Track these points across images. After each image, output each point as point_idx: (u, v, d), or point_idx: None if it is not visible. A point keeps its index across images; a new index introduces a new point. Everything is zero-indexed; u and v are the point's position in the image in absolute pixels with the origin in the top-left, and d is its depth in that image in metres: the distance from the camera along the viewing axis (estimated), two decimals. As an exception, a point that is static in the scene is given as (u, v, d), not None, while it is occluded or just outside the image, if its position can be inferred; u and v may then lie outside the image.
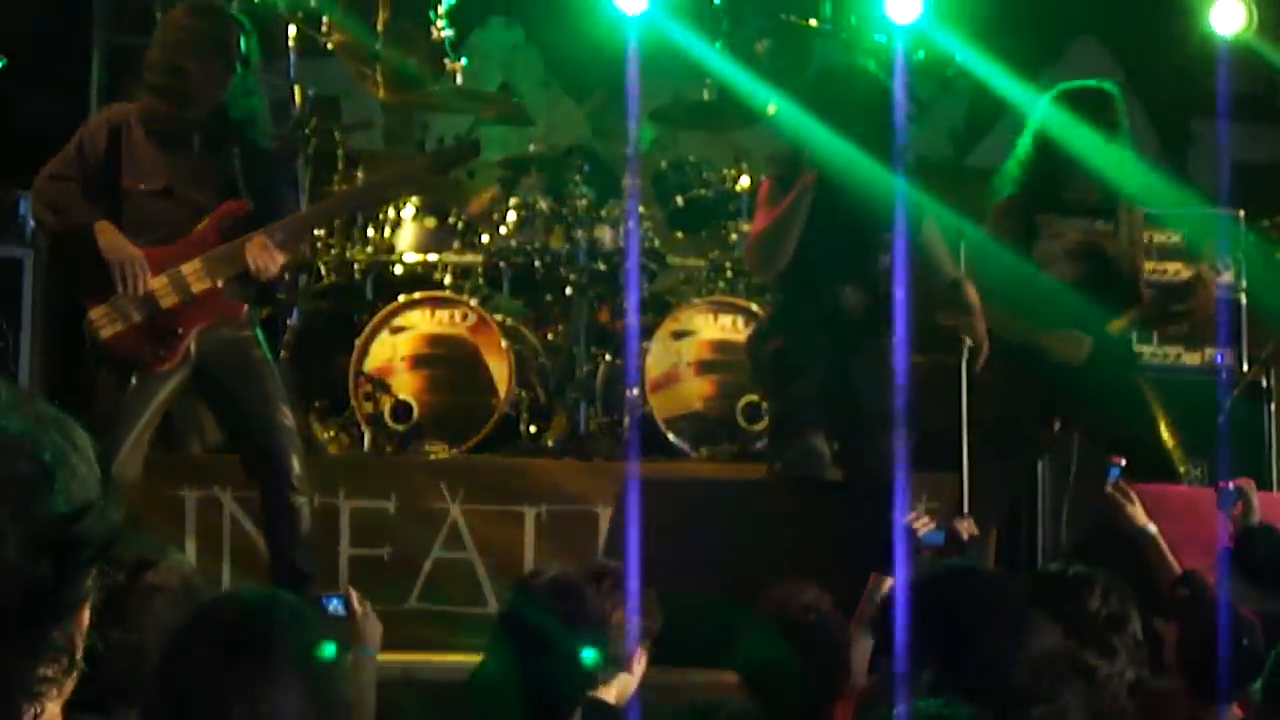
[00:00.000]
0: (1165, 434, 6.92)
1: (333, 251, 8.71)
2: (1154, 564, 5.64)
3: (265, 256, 6.33)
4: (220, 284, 6.39)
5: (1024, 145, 7.09)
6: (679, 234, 8.84)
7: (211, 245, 6.38)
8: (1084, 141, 6.94)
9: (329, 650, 2.79)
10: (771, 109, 7.98)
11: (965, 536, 5.46)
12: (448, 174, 7.49)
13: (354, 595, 4.71)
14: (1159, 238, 8.83)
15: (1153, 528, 5.72)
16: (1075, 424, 7.12)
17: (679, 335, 8.27)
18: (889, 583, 5.02)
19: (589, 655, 3.92)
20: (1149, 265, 8.51)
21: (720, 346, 8.23)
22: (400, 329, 8.17)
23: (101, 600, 2.38)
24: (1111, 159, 6.96)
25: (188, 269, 6.36)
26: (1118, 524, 5.78)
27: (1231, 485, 5.97)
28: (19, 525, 1.60)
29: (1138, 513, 5.76)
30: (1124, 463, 5.91)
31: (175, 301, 6.36)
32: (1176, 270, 8.60)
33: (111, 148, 6.40)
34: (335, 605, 4.67)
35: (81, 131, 6.53)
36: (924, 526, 5.33)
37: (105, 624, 2.93)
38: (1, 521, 1.58)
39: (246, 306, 6.48)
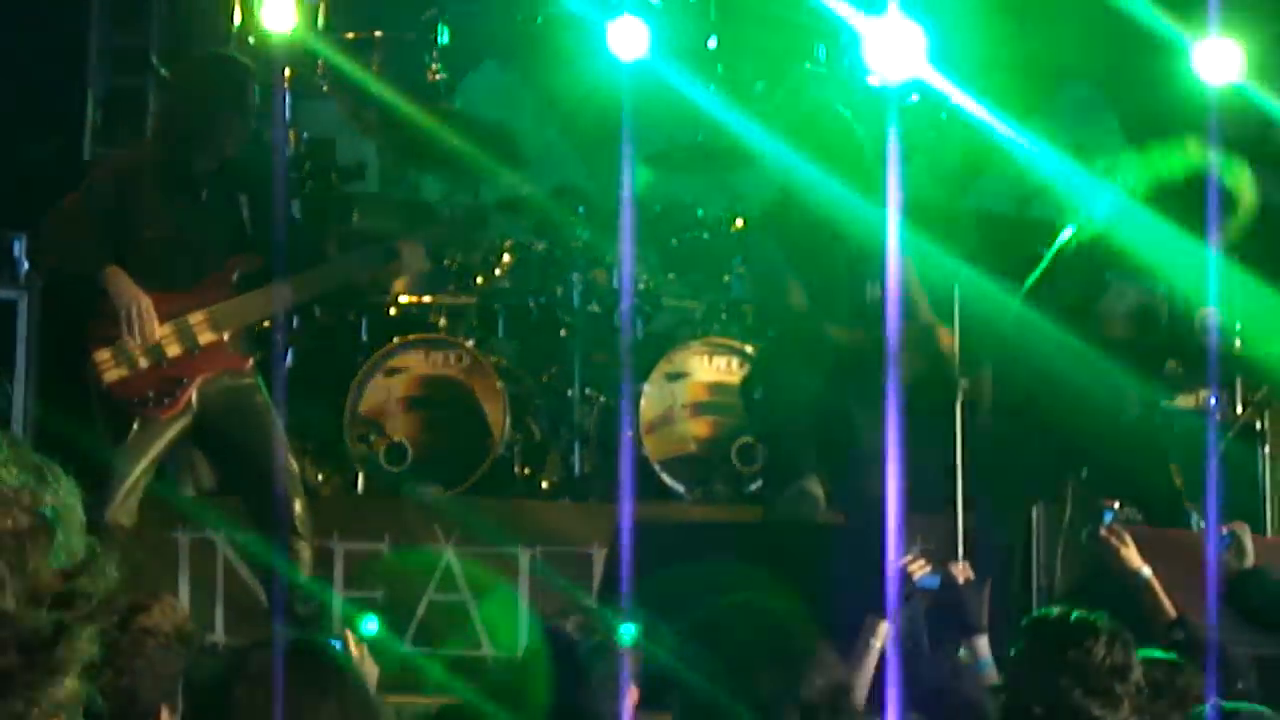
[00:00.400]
0: (1176, 479, 6.92)
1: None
2: (1149, 607, 5.63)
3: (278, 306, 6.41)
4: (227, 337, 6.40)
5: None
6: (674, 276, 8.84)
7: (221, 297, 6.39)
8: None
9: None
10: None
11: (961, 580, 5.45)
12: (467, 241, 7.51)
13: (350, 638, 4.70)
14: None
15: (1147, 571, 5.71)
16: (1090, 472, 7.12)
17: (674, 377, 8.27)
18: (883, 626, 5.01)
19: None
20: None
21: (715, 388, 8.22)
22: (395, 370, 8.17)
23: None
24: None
25: (195, 319, 6.38)
26: (1112, 567, 5.78)
27: (1225, 529, 5.97)
28: (19, 578, 1.59)
29: (1132, 555, 5.76)
30: (1117, 505, 5.91)
31: (181, 350, 6.37)
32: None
33: (121, 194, 6.43)
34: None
35: (91, 177, 6.55)
36: (919, 570, 5.33)
37: (98, 667, 2.93)
38: (1, 574, 1.58)
39: (252, 360, 6.50)
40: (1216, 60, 9.21)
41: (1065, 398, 6.93)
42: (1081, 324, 6.96)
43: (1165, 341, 7.07)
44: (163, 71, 9.28)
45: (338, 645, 4.68)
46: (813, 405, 6.53)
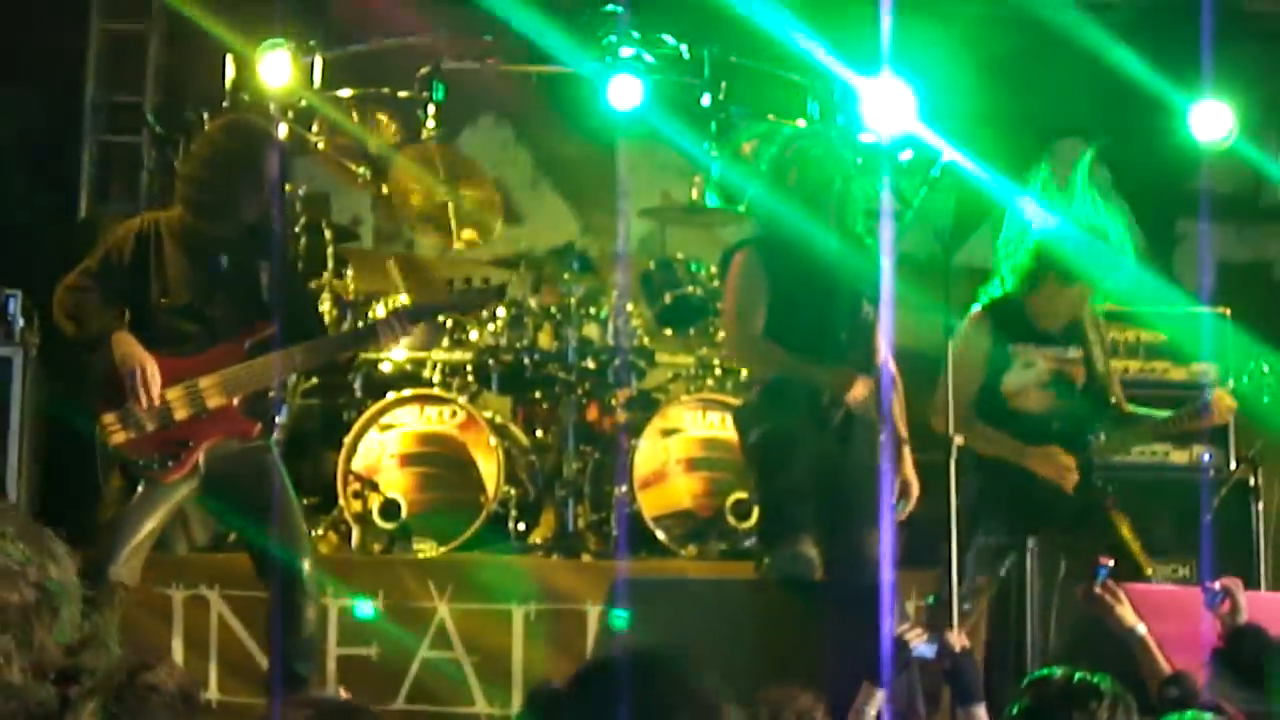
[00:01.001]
0: (1129, 536, 6.91)
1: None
2: (1144, 664, 5.63)
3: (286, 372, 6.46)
4: (236, 402, 6.43)
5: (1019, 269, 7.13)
6: (668, 331, 8.85)
7: (232, 362, 6.42)
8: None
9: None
10: None
11: (957, 649, 5.44)
12: (472, 312, 7.53)
13: (344, 695, 4.70)
14: (1145, 337, 8.87)
15: (1142, 628, 5.71)
16: (1050, 535, 7.13)
17: (668, 433, 8.28)
18: (879, 694, 5.01)
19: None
20: (1135, 365, 8.58)
21: (709, 444, 8.23)
22: (389, 427, 8.18)
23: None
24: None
25: (205, 383, 6.41)
26: (1107, 624, 5.77)
27: (1218, 585, 5.97)
28: (24, 652, 1.60)
29: (1127, 613, 5.75)
30: (1112, 563, 5.91)
31: (189, 414, 6.39)
32: (1165, 369, 8.64)
33: (138, 259, 6.47)
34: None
35: (109, 240, 6.57)
36: (916, 639, 5.32)
37: None
38: (6, 648, 1.59)
39: (260, 425, 6.52)
40: (1210, 121, 9.30)
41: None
42: (990, 402, 6.98)
43: (1080, 405, 7.07)
44: (158, 129, 9.33)
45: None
46: (807, 451, 6.50)
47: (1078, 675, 4.13)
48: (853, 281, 6.73)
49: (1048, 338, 7.07)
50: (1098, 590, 5.81)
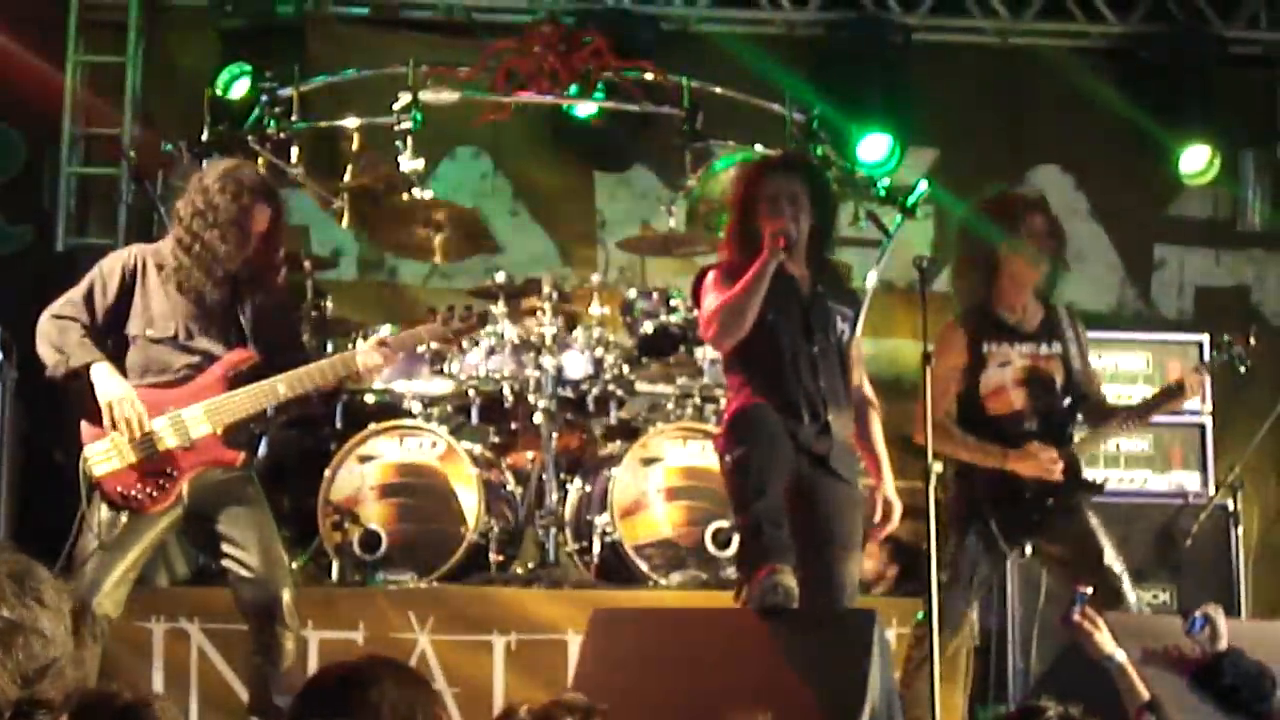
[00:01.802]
0: (1112, 560, 6.91)
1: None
2: (1123, 690, 5.63)
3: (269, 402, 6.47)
4: (220, 431, 6.44)
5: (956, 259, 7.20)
6: (647, 360, 8.85)
7: (216, 391, 6.44)
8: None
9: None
10: None
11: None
12: (456, 341, 7.54)
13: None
14: (1124, 361, 8.90)
15: (1121, 655, 5.71)
16: (1039, 546, 7.12)
17: (648, 462, 8.26)
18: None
19: None
20: (1114, 390, 8.58)
21: (689, 473, 8.21)
22: (369, 458, 8.16)
23: None
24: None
25: (189, 414, 6.43)
26: (1086, 651, 5.77)
27: (1199, 611, 5.98)
28: None
29: (1106, 640, 5.75)
30: (1090, 590, 5.91)
31: (173, 445, 6.41)
32: (1143, 397, 8.66)
33: (124, 291, 6.50)
34: None
35: (96, 271, 6.57)
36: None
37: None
38: None
39: (243, 455, 6.53)
40: (1196, 161, 9.42)
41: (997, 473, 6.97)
42: (969, 408, 6.99)
43: (1059, 401, 7.08)
44: (136, 162, 9.32)
45: None
46: (785, 471, 6.49)
47: (1052, 708, 4.11)
48: (826, 308, 6.72)
49: (1022, 335, 7.08)
50: (1076, 618, 5.82)
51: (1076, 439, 7.12)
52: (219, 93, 9.25)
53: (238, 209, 6.46)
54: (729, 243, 6.86)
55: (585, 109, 9.62)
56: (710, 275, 6.75)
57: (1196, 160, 10.16)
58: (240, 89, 9.27)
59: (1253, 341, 7.17)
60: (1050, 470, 6.89)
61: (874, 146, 9.91)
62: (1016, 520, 6.93)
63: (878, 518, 6.61)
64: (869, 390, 6.84)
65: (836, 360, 6.69)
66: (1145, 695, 5.56)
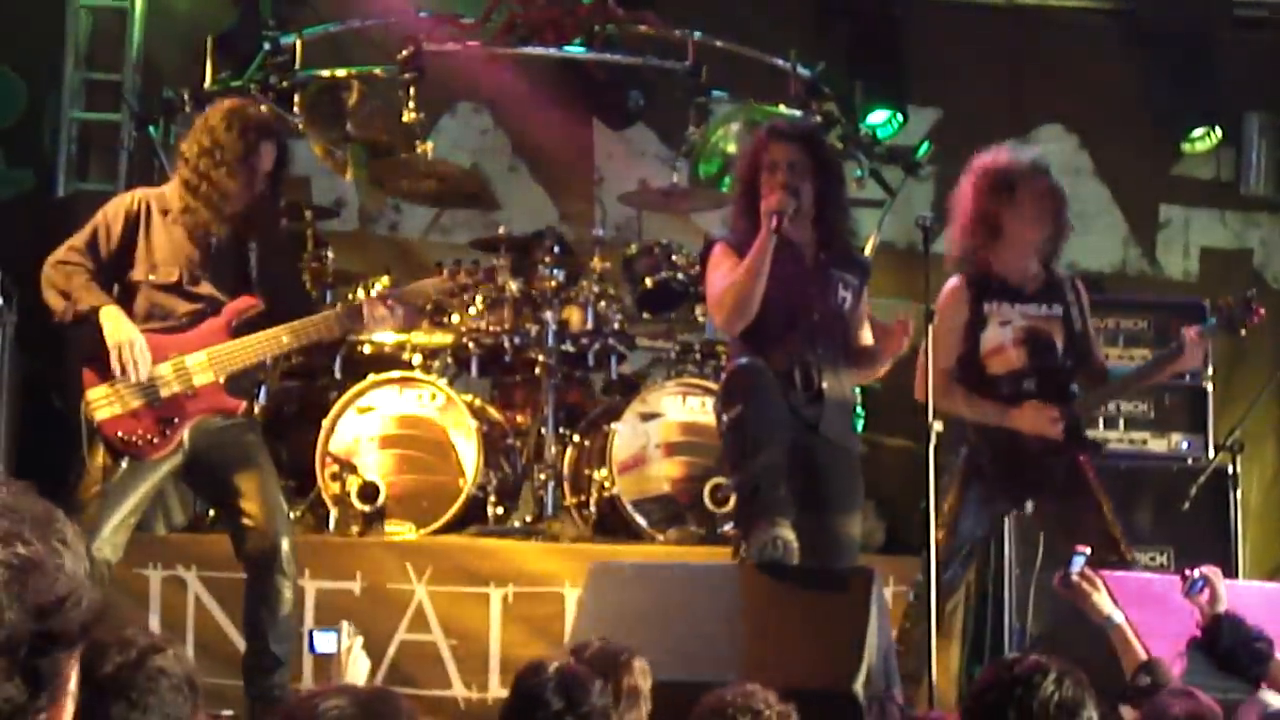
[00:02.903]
0: (1111, 520, 6.92)
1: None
2: (1121, 652, 5.63)
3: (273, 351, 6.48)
4: (223, 379, 6.43)
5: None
6: (647, 316, 8.84)
7: (220, 339, 6.43)
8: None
9: None
10: None
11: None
12: (457, 295, 7.55)
13: (344, 631, 4.65)
14: (1125, 324, 8.89)
15: (1119, 616, 5.71)
16: (1040, 505, 7.12)
17: (647, 417, 8.26)
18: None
19: None
20: (1115, 351, 8.58)
21: (689, 429, 8.21)
22: (368, 409, 8.15)
23: (110, 676, 2.42)
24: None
25: (192, 360, 6.42)
26: (1083, 612, 5.78)
27: (1198, 573, 5.98)
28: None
29: (1103, 600, 5.76)
30: (1088, 551, 5.91)
31: (176, 391, 6.40)
32: (1144, 358, 8.66)
33: (127, 235, 6.47)
34: (324, 641, 4.62)
35: (100, 216, 6.55)
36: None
37: (112, 698, 2.95)
38: None
39: (245, 403, 6.52)
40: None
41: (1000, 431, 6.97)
42: (969, 368, 6.99)
43: (1065, 355, 7.08)
44: (137, 109, 9.29)
45: (333, 636, 4.64)
46: (784, 432, 6.49)
47: (1029, 657, 4.11)
48: (829, 275, 6.71)
49: (1023, 296, 7.08)
50: (1075, 578, 5.82)
51: (1077, 400, 7.11)
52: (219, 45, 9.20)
53: (244, 146, 6.44)
54: (735, 213, 6.87)
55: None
56: (717, 248, 6.76)
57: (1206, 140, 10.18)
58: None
59: (1252, 305, 7.15)
60: (1050, 429, 6.89)
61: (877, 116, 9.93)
62: (1016, 478, 6.94)
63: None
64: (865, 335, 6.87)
65: (839, 328, 6.70)
66: (1143, 655, 5.56)
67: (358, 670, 4.66)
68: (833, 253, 6.78)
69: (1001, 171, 7.08)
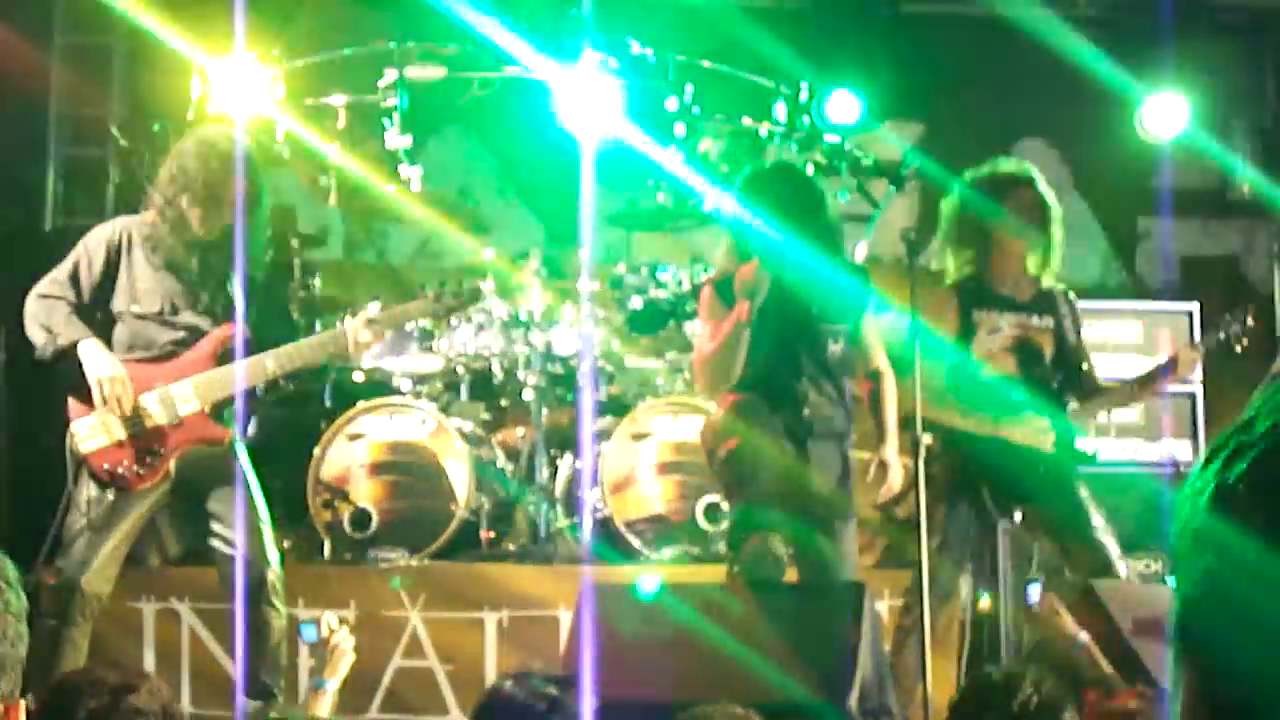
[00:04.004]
0: (1102, 531, 6.92)
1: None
2: (1091, 671, 5.64)
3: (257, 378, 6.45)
4: (208, 408, 6.43)
5: (949, 234, 7.18)
6: (636, 336, 8.85)
7: (205, 367, 6.42)
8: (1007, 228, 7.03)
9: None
10: None
11: None
12: (445, 317, 7.55)
13: (324, 621, 4.64)
14: (1113, 331, 8.90)
15: (1084, 636, 5.73)
16: (1030, 512, 7.13)
17: (638, 437, 8.27)
18: None
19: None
20: (1103, 358, 8.58)
21: (680, 448, 8.22)
22: (358, 436, 8.16)
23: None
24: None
25: (177, 390, 6.41)
26: (1048, 636, 5.81)
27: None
28: None
29: (1067, 623, 5.78)
30: (1041, 578, 5.95)
31: (160, 421, 6.39)
32: (1132, 363, 8.68)
33: (108, 267, 6.47)
34: (309, 632, 4.63)
35: (81, 247, 6.55)
36: None
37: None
38: None
39: (231, 431, 6.52)
40: (1164, 114, 9.33)
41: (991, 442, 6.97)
42: (960, 376, 6.99)
43: (1054, 365, 7.09)
44: (123, 142, 9.30)
45: (310, 631, 4.65)
46: (776, 461, 6.51)
47: (1009, 667, 4.14)
48: (825, 306, 6.70)
49: (1013, 305, 7.09)
50: (1035, 604, 5.85)
51: (1069, 411, 7.12)
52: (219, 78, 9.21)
53: (209, 174, 6.43)
54: (722, 251, 6.88)
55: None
56: (704, 292, 6.80)
57: (1170, 120, 10.11)
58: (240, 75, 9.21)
59: (1250, 321, 7.17)
60: (1041, 440, 6.90)
61: (842, 107, 9.86)
62: (1007, 488, 6.94)
63: (869, 477, 6.64)
64: (883, 362, 6.86)
65: (827, 378, 6.70)
66: (1109, 670, 5.57)
67: (341, 663, 4.65)
68: (821, 302, 6.74)
69: (988, 181, 7.10)
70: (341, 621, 4.68)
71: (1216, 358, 8.14)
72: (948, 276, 7.20)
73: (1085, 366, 7.25)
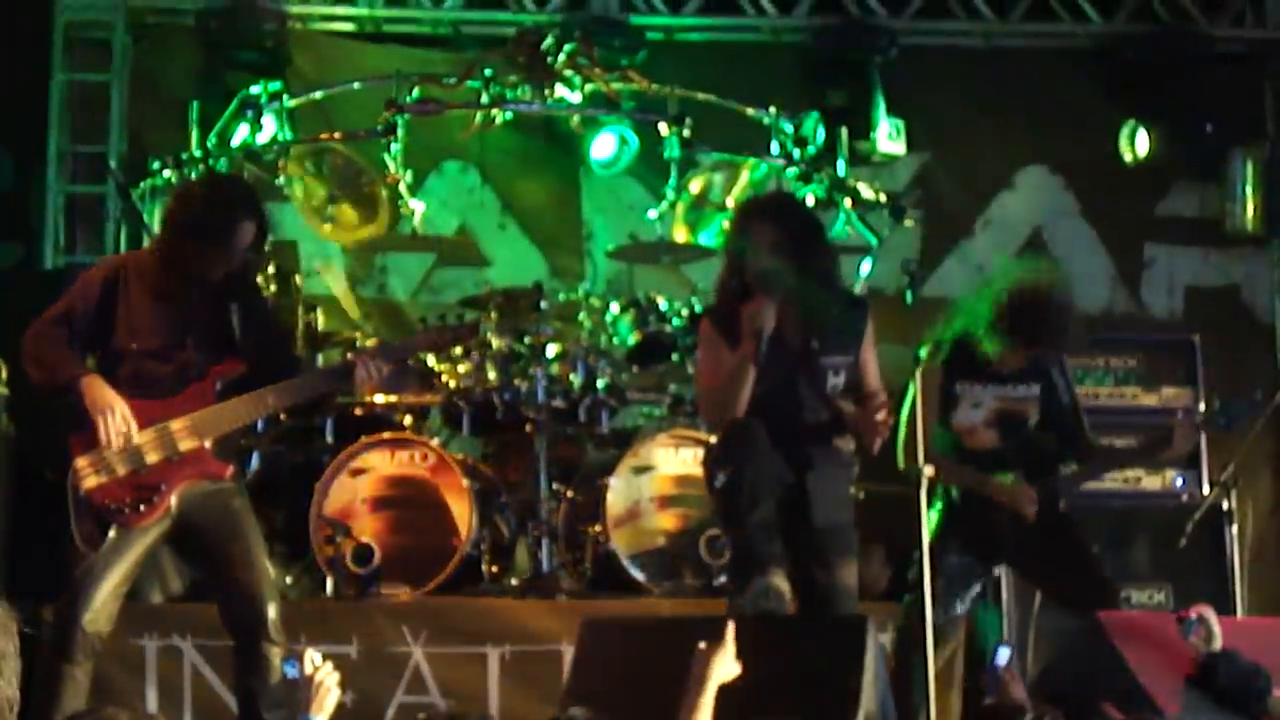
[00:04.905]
0: (1096, 564, 6.92)
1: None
2: None
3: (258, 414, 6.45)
4: (209, 444, 6.40)
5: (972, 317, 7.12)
6: (637, 369, 8.85)
7: (204, 404, 6.40)
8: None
9: None
10: None
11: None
12: (445, 350, 7.55)
13: (308, 658, 4.61)
14: (1115, 362, 8.90)
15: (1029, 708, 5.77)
16: (1014, 567, 7.13)
17: (640, 470, 8.25)
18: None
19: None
20: (1105, 390, 8.60)
21: (682, 481, 8.21)
22: (360, 471, 8.14)
23: None
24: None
25: (177, 426, 6.37)
26: (1002, 701, 5.82)
27: (1193, 614, 5.98)
28: None
29: (1019, 692, 5.81)
30: (1012, 643, 5.96)
31: (161, 457, 6.36)
32: (1134, 395, 8.69)
33: (106, 303, 6.42)
34: (291, 669, 4.60)
35: (79, 284, 6.52)
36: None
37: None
38: None
39: (232, 468, 6.49)
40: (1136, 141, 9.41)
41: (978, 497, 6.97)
42: (943, 437, 6.96)
43: (1034, 440, 7.07)
44: (122, 179, 9.32)
45: (292, 668, 4.61)
46: (776, 491, 6.49)
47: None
48: (825, 338, 6.68)
49: (999, 377, 7.05)
50: (1000, 671, 5.86)
51: (1064, 473, 7.12)
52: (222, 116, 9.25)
53: (221, 222, 6.40)
54: (721, 283, 6.85)
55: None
56: (703, 325, 6.78)
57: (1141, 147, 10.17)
58: (240, 134, 9.25)
59: (1254, 408, 7.18)
60: (1026, 508, 6.89)
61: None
62: (991, 541, 6.94)
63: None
64: (878, 386, 6.83)
65: (828, 411, 6.68)
66: None
67: (324, 699, 4.62)
68: (821, 335, 6.71)
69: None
70: (325, 658, 4.65)
71: (1217, 380, 8.17)
72: (945, 330, 7.14)
73: (1080, 432, 7.21)
